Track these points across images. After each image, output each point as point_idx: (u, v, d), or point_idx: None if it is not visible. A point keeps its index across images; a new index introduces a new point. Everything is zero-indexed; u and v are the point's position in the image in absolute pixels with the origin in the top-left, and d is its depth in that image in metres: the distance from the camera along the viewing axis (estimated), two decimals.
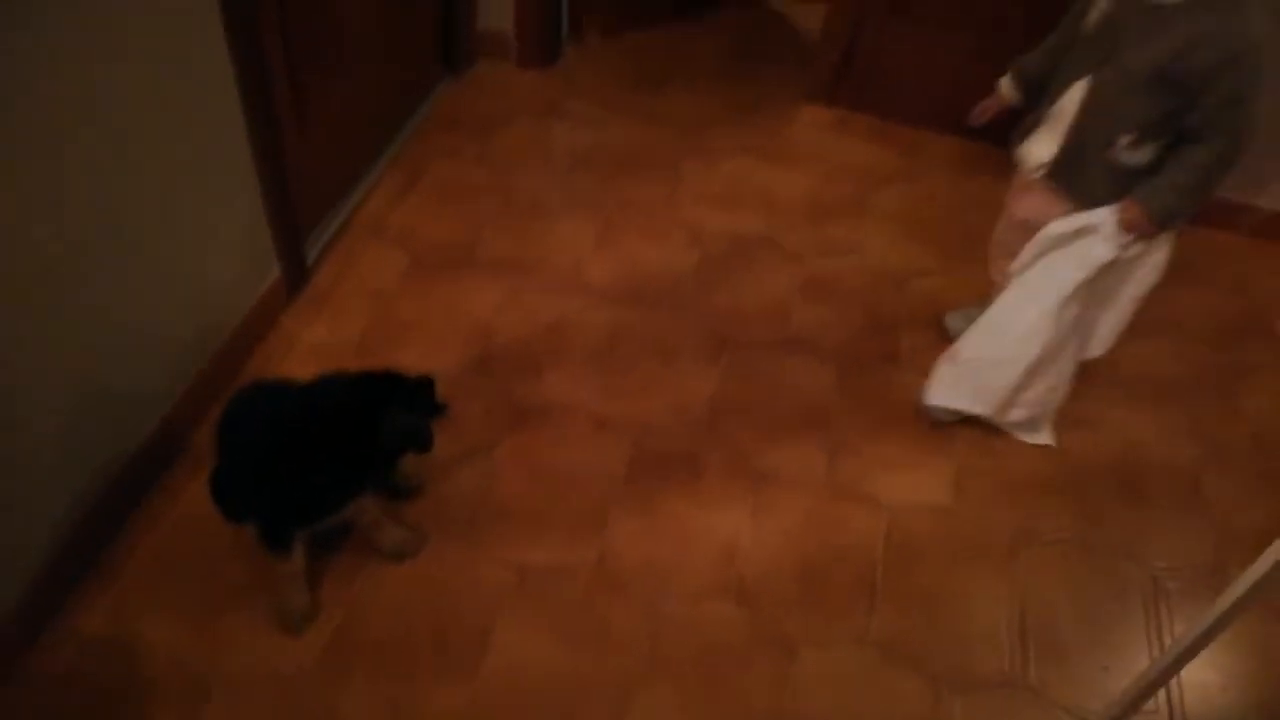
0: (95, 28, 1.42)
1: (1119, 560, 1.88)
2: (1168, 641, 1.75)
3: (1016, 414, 1.99)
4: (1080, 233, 1.71)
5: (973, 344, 1.93)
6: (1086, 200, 1.72)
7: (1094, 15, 1.67)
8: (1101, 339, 1.91)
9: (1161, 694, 1.67)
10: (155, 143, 1.61)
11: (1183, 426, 2.14)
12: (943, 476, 1.98)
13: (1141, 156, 1.65)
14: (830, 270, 2.39)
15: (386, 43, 2.46)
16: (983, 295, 2.11)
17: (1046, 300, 1.79)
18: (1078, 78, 1.67)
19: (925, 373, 2.03)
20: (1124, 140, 1.64)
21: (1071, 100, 1.68)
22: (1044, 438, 2.06)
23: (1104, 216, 1.68)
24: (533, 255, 2.35)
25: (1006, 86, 1.88)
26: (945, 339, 2.15)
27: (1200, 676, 1.70)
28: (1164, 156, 1.64)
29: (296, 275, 2.18)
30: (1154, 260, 1.77)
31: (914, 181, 2.70)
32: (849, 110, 2.91)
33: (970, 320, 2.12)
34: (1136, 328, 2.31)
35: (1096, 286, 1.78)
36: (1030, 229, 1.86)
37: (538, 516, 1.83)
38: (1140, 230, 1.67)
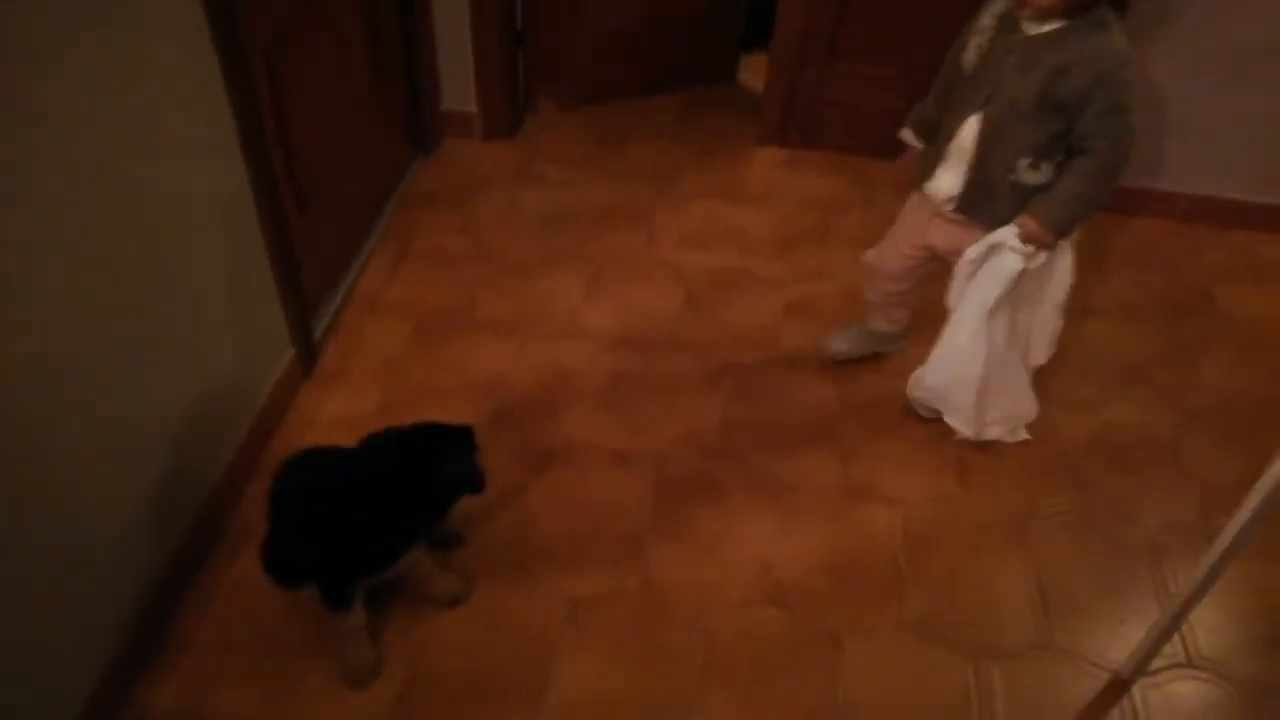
0: (132, 146, 1.52)
1: (1117, 525, 2.03)
2: (1173, 591, 1.88)
3: (994, 430, 2.12)
4: (991, 251, 1.84)
5: (931, 372, 2.07)
6: (997, 224, 1.82)
7: (971, 54, 1.79)
8: (1040, 348, 2.04)
9: (1176, 637, 1.80)
10: (186, 245, 1.73)
11: (1155, 400, 2.31)
12: (946, 469, 2.12)
13: (1041, 175, 1.77)
14: (808, 293, 2.55)
15: (364, 132, 2.59)
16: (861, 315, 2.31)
17: (973, 319, 1.91)
18: (969, 114, 1.79)
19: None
20: (1023, 163, 1.76)
21: (968, 135, 1.80)
22: (1020, 434, 2.18)
23: (1008, 232, 1.80)
24: (529, 311, 2.47)
25: (909, 137, 2.00)
26: (916, 347, 2.26)
27: (1208, 618, 1.84)
28: (1061, 170, 1.77)
29: (307, 355, 2.26)
30: (1061, 266, 1.88)
31: (870, 206, 2.88)
32: (800, 148, 3.11)
33: (849, 341, 2.31)
34: (1101, 315, 2.53)
35: (1016, 297, 1.88)
36: (936, 254, 2.01)
37: (578, 550, 1.92)
38: (1040, 241, 1.77)
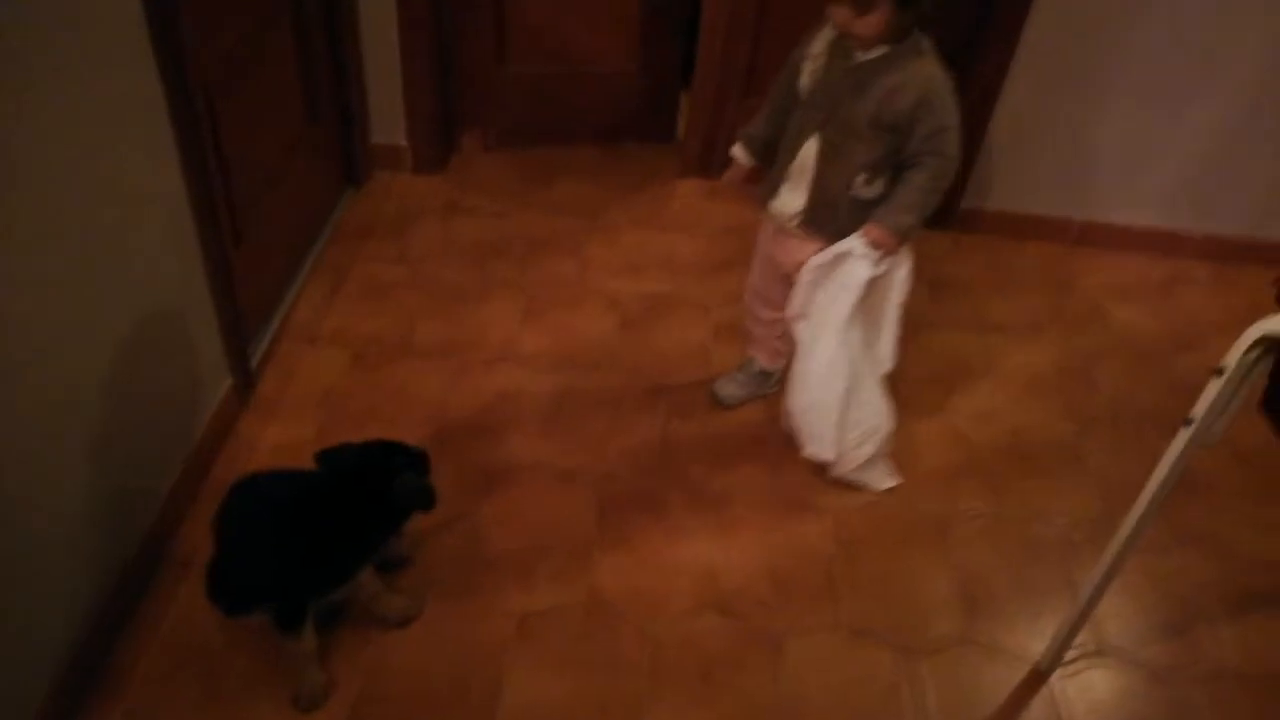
0: (79, 179, 1.54)
1: (1029, 524, 2.17)
2: (1083, 583, 2.03)
3: (863, 451, 2.13)
4: (837, 261, 1.91)
5: (793, 398, 2.11)
6: (840, 236, 1.92)
7: (806, 80, 1.91)
8: (886, 353, 2.05)
9: (1087, 628, 1.94)
10: (132, 272, 1.75)
11: (1057, 407, 2.49)
12: None
13: (876, 190, 1.89)
14: (735, 316, 2.64)
15: (297, 164, 2.62)
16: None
17: (832, 332, 1.97)
18: (808, 136, 1.90)
19: None
20: (859, 179, 1.88)
21: (808, 156, 1.91)
22: (890, 480, 2.21)
23: (854, 242, 1.89)
24: (466, 337, 2.52)
25: (740, 153, 2.10)
26: None
27: (1114, 607, 1.98)
28: (893, 184, 1.89)
29: (244, 384, 2.26)
30: (903, 270, 1.98)
31: None
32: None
33: (739, 385, 2.39)
34: (1004, 331, 2.70)
35: (866, 305, 1.95)
36: (790, 275, 2.09)
37: (525, 567, 1.96)
38: (886, 247, 1.88)
